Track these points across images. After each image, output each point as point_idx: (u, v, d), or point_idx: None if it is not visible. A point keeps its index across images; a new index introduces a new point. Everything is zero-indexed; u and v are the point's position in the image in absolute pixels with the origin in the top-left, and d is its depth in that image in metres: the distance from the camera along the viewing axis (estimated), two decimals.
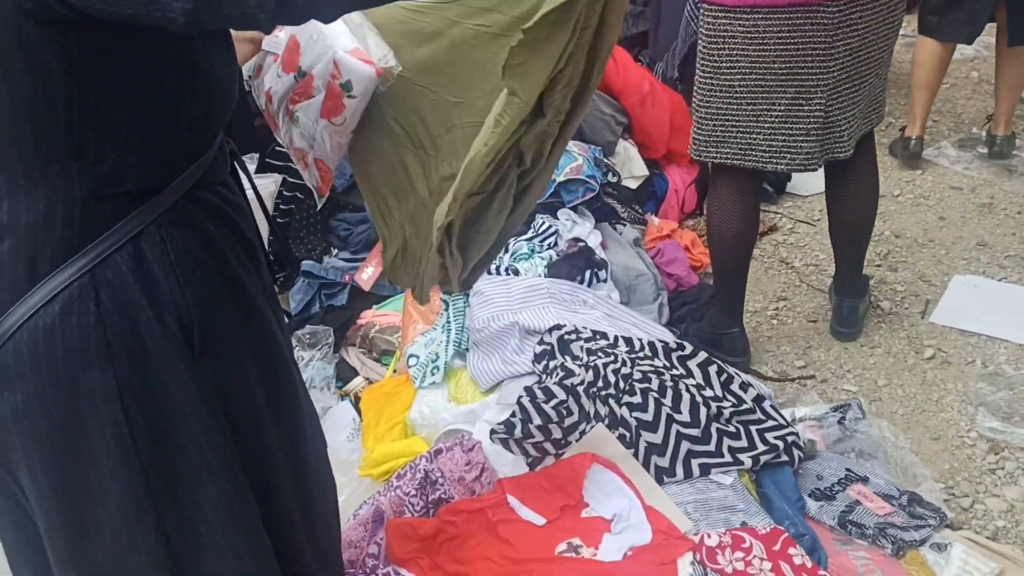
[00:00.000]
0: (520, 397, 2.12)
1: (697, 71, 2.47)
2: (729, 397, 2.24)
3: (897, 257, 3.28)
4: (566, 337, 2.33)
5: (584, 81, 1.31)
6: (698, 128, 2.51)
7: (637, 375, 2.20)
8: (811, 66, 2.34)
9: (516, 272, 2.70)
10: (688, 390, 2.18)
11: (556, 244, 2.90)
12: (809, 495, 2.13)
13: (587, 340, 2.33)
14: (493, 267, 2.66)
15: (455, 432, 2.22)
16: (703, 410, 2.15)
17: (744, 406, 2.21)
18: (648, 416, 2.11)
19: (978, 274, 3.16)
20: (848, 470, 2.20)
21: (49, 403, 1.09)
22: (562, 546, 1.93)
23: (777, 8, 2.28)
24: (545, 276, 2.70)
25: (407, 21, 1.48)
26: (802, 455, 2.18)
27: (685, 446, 2.08)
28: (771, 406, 2.26)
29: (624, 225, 3.20)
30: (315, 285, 2.92)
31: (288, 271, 2.99)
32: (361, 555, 1.98)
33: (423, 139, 1.49)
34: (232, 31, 1.22)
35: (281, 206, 2.97)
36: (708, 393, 2.21)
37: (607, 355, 2.26)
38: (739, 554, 1.87)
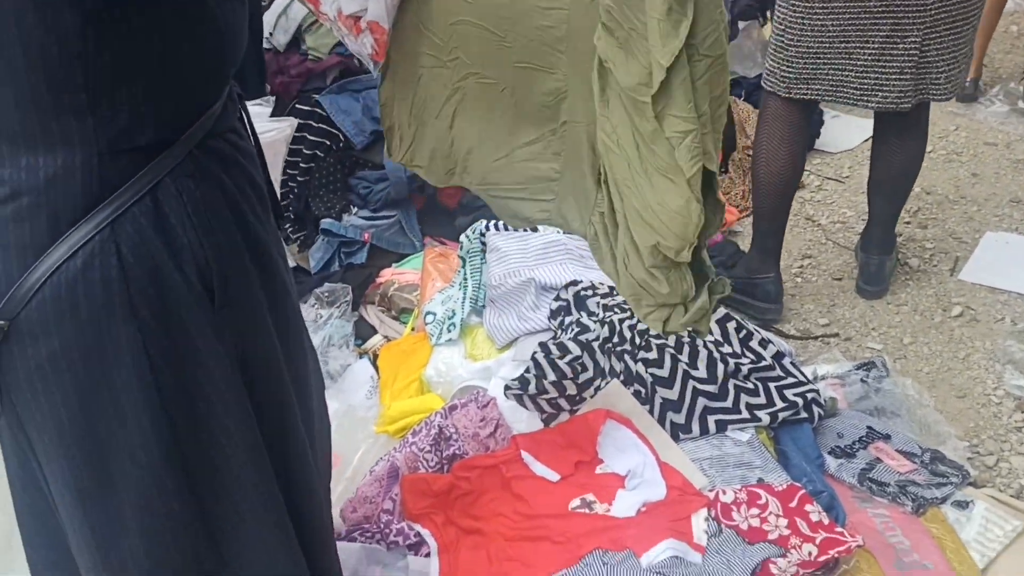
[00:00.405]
0: (534, 353, 2.11)
1: (785, 10, 2.47)
2: (748, 354, 2.20)
3: (927, 214, 3.21)
4: (582, 293, 2.30)
5: None
6: (788, 66, 2.51)
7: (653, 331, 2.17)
8: (908, 4, 2.33)
9: (534, 229, 2.67)
10: (705, 346, 2.15)
11: None
12: (829, 452, 2.10)
13: (603, 296, 2.30)
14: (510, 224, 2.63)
15: (470, 388, 2.21)
16: (720, 366, 2.12)
17: (763, 363, 2.18)
18: (664, 372, 2.08)
19: (1011, 231, 3.08)
20: (870, 428, 2.16)
21: (75, 358, 1.09)
22: (576, 502, 1.92)
23: None
24: (562, 233, 2.67)
25: None
26: (822, 412, 2.14)
27: (701, 402, 2.06)
28: (791, 363, 2.23)
29: None
30: (334, 243, 2.91)
31: (307, 229, 2.99)
32: (376, 510, 1.98)
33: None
34: None
35: (300, 164, 2.95)
36: (726, 349, 2.18)
37: (623, 311, 2.23)
38: (754, 510, 1.85)
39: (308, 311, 2.61)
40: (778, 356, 2.22)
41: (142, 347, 1.10)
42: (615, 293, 2.32)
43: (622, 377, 2.09)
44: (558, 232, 2.68)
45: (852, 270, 2.92)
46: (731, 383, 2.11)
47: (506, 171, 1.62)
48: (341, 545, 1.88)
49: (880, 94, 2.45)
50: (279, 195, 2.87)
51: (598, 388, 2.07)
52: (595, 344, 2.12)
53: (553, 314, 2.29)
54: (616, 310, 2.24)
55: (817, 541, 1.78)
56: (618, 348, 2.13)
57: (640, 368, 2.10)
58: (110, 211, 1.07)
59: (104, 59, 1.02)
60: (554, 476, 1.97)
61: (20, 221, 1.07)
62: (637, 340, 2.15)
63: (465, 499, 1.96)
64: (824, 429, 2.15)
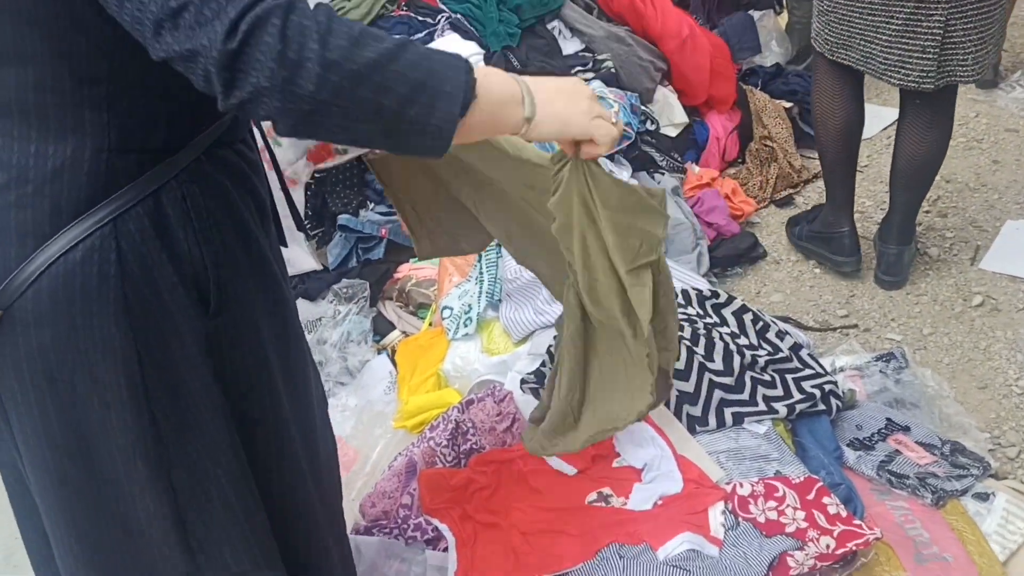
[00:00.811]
0: (550, 345, 2.10)
1: None
2: (765, 345, 2.20)
3: (947, 202, 3.18)
4: None
5: None
6: (828, 29, 2.58)
7: None
8: None
9: None
10: (722, 338, 2.15)
11: None
12: (848, 445, 2.08)
13: None
14: None
15: (487, 383, 2.21)
16: (737, 358, 2.11)
17: (780, 354, 2.17)
18: (680, 364, 2.08)
19: None
20: (889, 419, 2.15)
21: (65, 349, 1.10)
22: (592, 495, 1.92)
23: None
24: None
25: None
26: (840, 404, 2.13)
27: (718, 395, 2.05)
28: (809, 355, 2.22)
29: (662, 174, 3.14)
30: (352, 239, 2.92)
31: (324, 226, 3.00)
32: (395, 505, 2.00)
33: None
34: None
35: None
36: (743, 341, 2.17)
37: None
38: (772, 503, 1.84)
39: (326, 307, 2.63)
40: (795, 348, 2.21)
41: (132, 345, 1.11)
42: None
43: None
44: None
45: (871, 260, 2.90)
46: (748, 375, 2.10)
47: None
48: (360, 539, 1.90)
49: (903, 70, 2.46)
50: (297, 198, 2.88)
51: None
52: None
53: None
54: None
55: (835, 534, 1.78)
56: None
57: None
58: (114, 208, 1.08)
59: (129, 57, 1.03)
60: (571, 470, 1.97)
61: (23, 208, 1.08)
62: None
63: (482, 493, 1.97)
64: (842, 421, 2.14)
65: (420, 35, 3.14)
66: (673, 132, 3.33)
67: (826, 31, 2.59)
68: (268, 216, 1.32)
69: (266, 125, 1.04)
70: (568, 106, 1.14)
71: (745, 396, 2.06)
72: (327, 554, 1.46)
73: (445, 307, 2.47)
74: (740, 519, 1.82)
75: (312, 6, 0.98)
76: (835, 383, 2.16)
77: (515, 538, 1.85)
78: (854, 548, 1.76)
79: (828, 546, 1.75)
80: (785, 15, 4.20)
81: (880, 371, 2.34)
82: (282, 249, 1.38)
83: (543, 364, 2.07)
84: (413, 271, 2.78)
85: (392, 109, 0.98)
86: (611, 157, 3.00)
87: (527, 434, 1.63)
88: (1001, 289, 2.73)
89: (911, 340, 2.58)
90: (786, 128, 3.48)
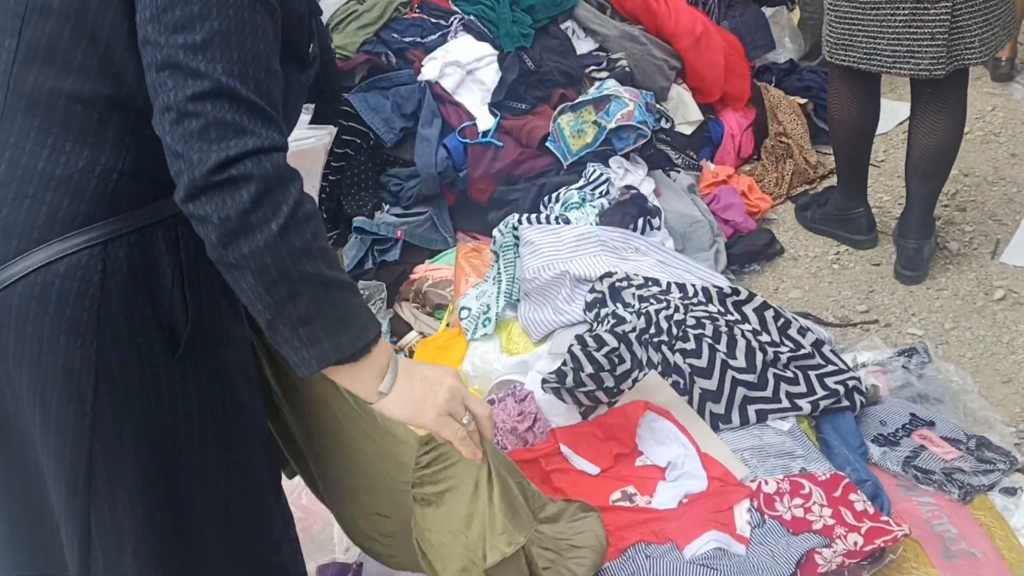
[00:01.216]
0: (571, 346, 2.09)
1: None
2: (787, 342, 2.18)
3: (966, 196, 3.15)
4: (617, 284, 2.29)
5: None
6: (830, 30, 2.62)
7: (690, 321, 2.16)
8: None
9: (567, 221, 2.65)
10: (744, 335, 2.13)
11: (608, 192, 2.85)
12: (872, 441, 2.07)
13: (639, 287, 2.28)
14: (543, 217, 2.63)
15: (507, 383, 2.20)
16: (759, 355, 2.09)
17: (802, 351, 2.15)
18: (702, 362, 2.07)
19: None
20: (913, 415, 2.13)
21: (20, 360, 1.08)
22: (616, 495, 1.90)
23: None
24: (597, 225, 2.66)
25: None
26: (864, 400, 2.11)
27: (741, 392, 2.04)
28: (831, 351, 2.20)
29: (678, 172, 3.13)
30: (367, 241, 2.91)
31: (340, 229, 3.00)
32: None
33: None
34: None
35: (332, 163, 2.96)
36: (764, 338, 2.16)
37: (659, 301, 2.22)
38: (798, 500, 1.83)
39: None
40: (817, 344, 2.20)
41: (92, 372, 1.08)
42: (650, 284, 2.31)
43: (660, 368, 2.07)
44: (591, 224, 2.67)
45: (890, 255, 2.88)
46: (770, 372, 2.09)
47: None
48: None
49: (913, 60, 2.47)
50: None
51: (636, 380, 2.05)
52: (632, 336, 2.10)
53: (588, 306, 2.27)
54: (652, 301, 2.23)
55: (862, 531, 1.76)
56: (655, 339, 2.12)
57: (678, 359, 2.08)
58: (109, 231, 1.07)
59: None
60: (594, 469, 1.96)
61: (18, 207, 1.07)
62: (674, 331, 2.13)
63: None
64: (866, 417, 2.12)
65: (433, 36, 3.14)
66: (688, 130, 3.31)
67: (828, 31, 2.62)
68: None
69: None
70: (424, 396, 1.17)
71: (768, 393, 2.05)
72: None
73: (463, 307, 2.46)
74: (766, 517, 1.80)
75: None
76: (858, 379, 2.14)
77: None
78: (882, 545, 1.74)
79: (856, 543, 1.74)
80: (797, 11, 4.18)
81: (903, 366, 2.32)
82: None
83: (564, 363, 2.05)
84: (429, 272, 2.78)
85: (290, 317, 1.05)
86: (627, 156, 2.99)
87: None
88: (1023, 283, 2.70)
89: (933, 335, 2.56)
90: (801, 124, 3.47)
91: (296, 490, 1.73)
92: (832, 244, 3.00)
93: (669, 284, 2.31)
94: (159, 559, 1.17)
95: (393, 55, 3.12)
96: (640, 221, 2.70)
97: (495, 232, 2.59)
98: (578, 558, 1.62)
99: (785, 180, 3.32)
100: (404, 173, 2.98)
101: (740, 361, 2.08)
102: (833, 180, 3.32)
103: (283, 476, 1.45)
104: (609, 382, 2.05)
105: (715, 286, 2.33)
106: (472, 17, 3.18)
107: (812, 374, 2.11)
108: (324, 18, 3.10)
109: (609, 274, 2.33)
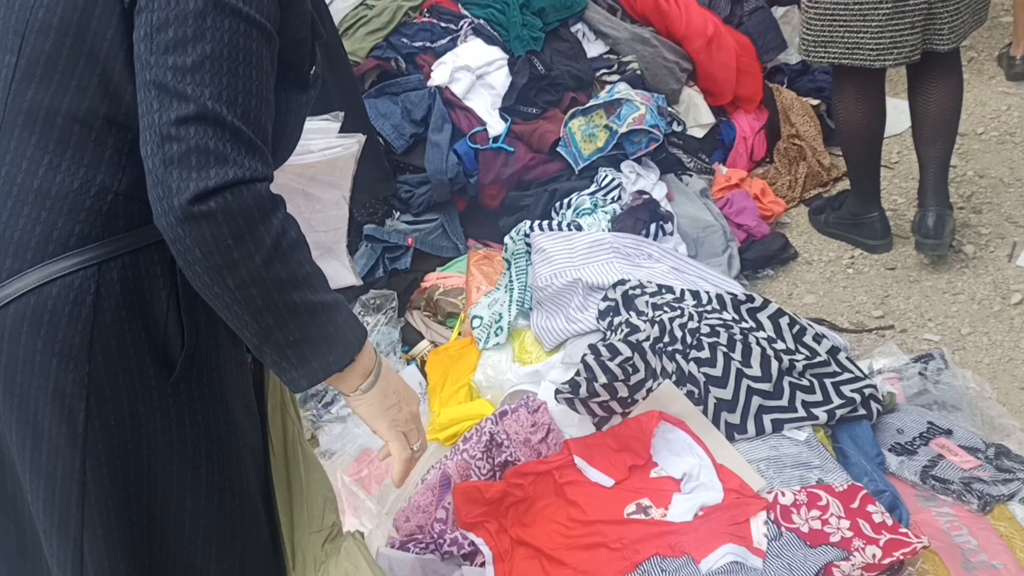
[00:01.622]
0: (584, 355, 2.08)
1: None
2: (802, 350, 2.16)
3: (981, 198, 3.12)
4: (630, 292, 2.27)
5: None
6: (807, 29, 2.65)
7: (705, 329, 2.14)
8: None
9: (579, 227, 2.64)
10: (758, 343, 2.11)
11: (620, 198, 2.83)
12: (889, 450, 2.04)
13: (652, 295, 2.26)
14: (555, 223, 2.62)
15: (520, 393, 2.19)
16: (774, 364, 2.07)
17: (818, 358, 2.13)
18: (717, 371, 2.05)
19: None
20: (930, 423, 2.11)
21: (14, 383, 1.07)
22: (631, 507, 1.89)
23: None
24: (609, 231, 2.64)
25: None
26: (881, 408, 2.09)
27: (756, 401, 2.02)
28: (847, 358, 2.17)
29: (690, 175, 3.11)
30: (378, 249, 2.91)
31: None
32: (429, 520, 1.98)
33: None
34: None
35: None
36: (779, 346, 2.14)
37: (673, 309, 2.20)
38: (815, 512, 1.80)
39: None
40: (833, 351, 2.17)
41: (84, 394, 1.07)
42: (664, 291, 2.29)
43: (674, 378, 2.05)
44: (603, 230, 2.65)
45: (905, 259, 2.86)
46: (786, 380, 2.07)
47: None
48: (393, 556, 1.88)
49: (896, 50, 2.56)
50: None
51: (650, 390, 2.03)
52: (645, 344, 2.09)
53: (601, 315, 2.26)
54: (666, 309, 2.21)
55: (881, 543, 1.74)
56: (669, 348, 2.10)
57: (692, 368, 2.06)
58: (103, 252, 1.06)
59: None
60: (608, 481, 1.94)
61: (12, 225, 1.06)
62: (688, 339, 2.11)
63: (519, 507, 1.94)
64: (883, 425, 2.10)
65: (443, 41, 3.13)
66: (700, 133, 3.29)
67: (804, 31, 2.66)
68: None
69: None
70: (391, 407, 1.23)
71: (784, 402, 2.02)
72: None
73: (475, 316, 2.45)
74: (783, 529, 1.78)
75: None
76: (875, 387, 2.12)
77: (553, 552, 1.83)
78: (901, 557, 1.72)
79: (874, 556, 1.72)
80: None
81: (919, 373, 2.30)
82: (321, 265, 1.35)
83: (577, 373, 2.03)
84: (440, 280, 2.77)
85: (277, 341, 1.07)
86: (639, 161, 2.97)
87: None
88: None
89: (949, 340, 2.53)
90: (814, 126, 3.44)
91: None
92: (846, 248, 2.98)
93: (683, 291, 2.29)
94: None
95: (403, 60, 3.11)
96: (652, 226, 2.68)
97: (507, 239, 2.58)
98: None
99: (798, 183, 3.30)
100: (415, 179, 2.97)
101: (755, 370, 2.05)
102: (846, 183, 3.29)
103: None
104: (623, 392, 2.03)
105: (729, 293, 2.31)
106: (482, 21, 3.17)
107: (828, 382, 2.09)
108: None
109: (622, 282, 2.31)
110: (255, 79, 1.02)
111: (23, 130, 1.06)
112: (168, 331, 1.11)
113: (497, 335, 2.36)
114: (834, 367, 2.13)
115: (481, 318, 2.42)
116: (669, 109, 3.17)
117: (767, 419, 2.00)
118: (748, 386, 2.03)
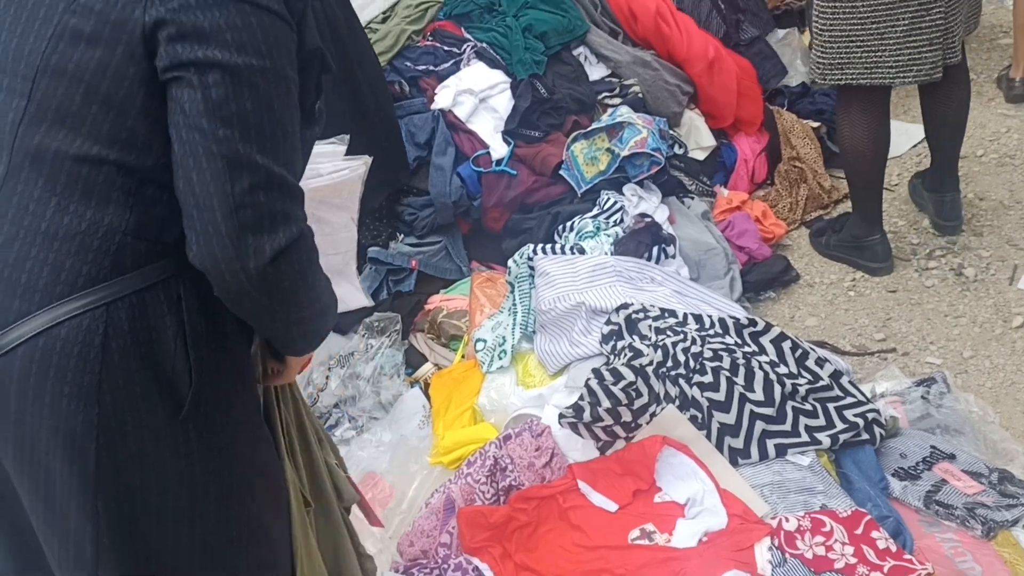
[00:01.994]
0: (588, 379, 2.08)
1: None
2: (805, 374, 2.16)
3: (982, 221, 3.13)
4: (634, 316, 2.28)
5: None
6: (822, 53, 2.68)
7: (708, 353, 2.14)
8: None
9: (582, 251, 2.65)
10: (761, 367, 2.12)
11: (622, 220, 2.84)
12: (892, 474, 2.05)
13: (655, 319, 2.27)
14: (559, 246, 2.63)
15: (524, 417, 2.19)
16: (777, 388, 2.08)
17: (821, 383, 2.14)
18: (720, 396, 2.05)
19: None
20: (933, 447, 2.11)
21: (24, 425, 1.08)
22: (635, 532, 1.89)
23: None
24: (611, 254, 2.65)
25: None
26: (884, 433, 2.10)
27: (759, 426, 2.02)
28: (849, 382, 2.18)
29: (692, 198, 3.12)
30: (382, 271, 2.91)
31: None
32: (433, 544, 1.98)
33: None
34: None
35: None
36: (782, 370, 2.14)
37: (676, 333, 2.20)
38: (819, 538, 1.81)
39: (358, 341, 2.62)
40: (836, 375, 2.18)
41: (94, 435, 1.08)
42: (666, 315, 2.30)
43: (677, 402, 2.06)
44: (606, 253, 2.67)
45: (907, 282, 2.87)
46: (789, 405, 2.07)
47: None
48: None
49: (915, 67, 2.61)
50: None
51: (653, 414, 2.04)
52: (649, 369, 2.09)
53: (605, 338, 2.26)
54: (668, 333, 2.22)
55: (885, 569, 1.74)
56: (672, 372, 2.10)
57: (696, 392, 2.07)
58: (112, 292, 1.07)
59: (170, 161, 1.06)
60: (612, 506, 1.94)
61: (20, 268, 1.07)
62: (691, 363, 2.12)
63: (523, 531, 1.94)
64: (886, 450, 2.10)
65: (446, 64, 3.15)
66: (701, 155, 3.31)
67: (818, 55, 2.69)
68: None
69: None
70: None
71: (787, 427, 2.03)
72: None
73: (478, 339, 2.46)
74: (787, 556, 1.79)
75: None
76: (878, 411, 2.12)
77: None
78: None
79: None
80: (808, 33, 4.17)
81: (922, 396, 2.30)
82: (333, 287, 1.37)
83: (581, 398, 2.04)
84: (444, 302, 2.77)
85: (294, 337, 1.22)
86: (641, 183, 2.99)
87: None
88: None
89: (951, 364, 2.54)
90: (814, 148, 3.46)
91: None
92: (848, 271, 2.99)
93: (685, 315, 2.30)
94: None
95: (406, 83, 3.13)
96: (655, 249, 2.69)
97: (510, 263, 2.59)
98: None
99: (799, 205, 3.31)
100: (418, 202, 2.98)
101: (758, 394, 2.06)
102: (847, 205, 3.31)
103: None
104: (626, 416, 2.04)
105: (732, 317, 2.32)
106: (484, 45, 3.18)
107: (831, 406, 2.10)
108: None
109: (625, 305, 2.32)
110: (294, 132, 1.07)
111: (30, 172, 1.07)
112: (176, 368, 1.11)
113: (501, 358, 2.36)
114: (837, 391, 2.13)
115: (485, 341, 2.43)
116: (671, 132, 3.18)
117: (771, 444, 2.01)
118: (751, 411, 2.04)
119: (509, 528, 1.95)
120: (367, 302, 2.72)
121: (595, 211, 2.87)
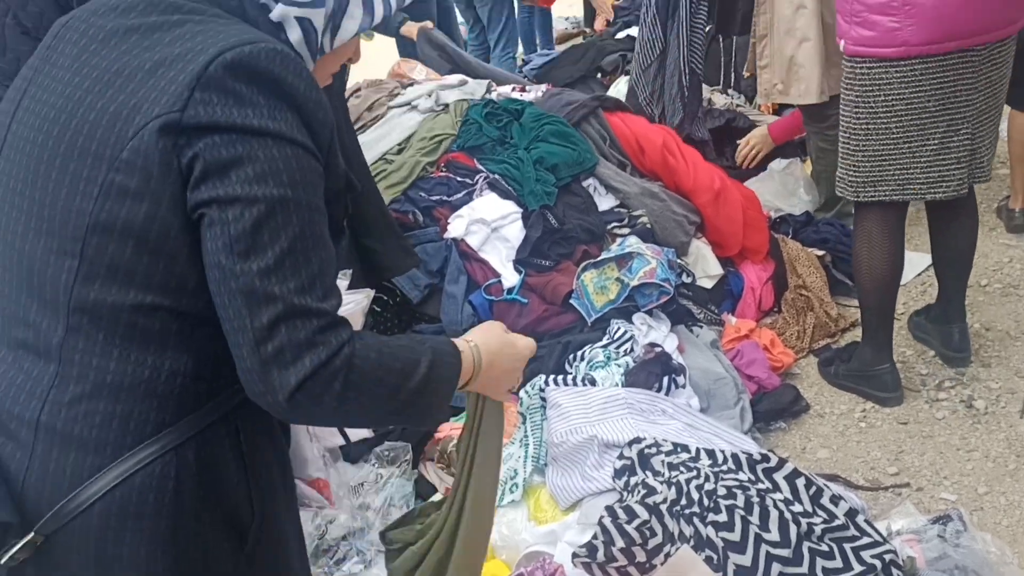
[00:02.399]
0: (601, 517, 2.07)
1: (849, 118, 2.68)
2: (820, 512, 2.15)
3: (989, 352, 3.15)
4: (646, 451, 2.28)
5: None
6: (855, 171, 2.73)
7: (722, 491, 2.13)
8: (960, 101, 2.58)
9: (593, 381, 2.66)
10: (776, 506, 2.10)
11: (632, 350, 2.86)
12: None
13: (668, 454, 2.27)
14: (570, 377, 2.64)
15: (536, 555, 2.17)
16: (793, 528, 2.06)
17: (836, 522, 2.12)
18: (735, 536, 2.03)
19: None
20: None
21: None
22: None
23: (934, 56, 2.50)
24: (622, 384, 2.66)
25: None
26: (902, 574, 2.06)
27: (776, 568, 2.00)
28: (865, 521, 2.16)
29: (700, 327, 3.15)
30: None
31: None
32: None
33: None
34: None
35: None
36: (797, 508, 2.13)
37: (689, 470, 2.20)
38: None
39: (369, 471, 2.61)
40: (851, 513, 2.16)
41: None
42: (679, 451, 2.29)
43: (692, 542, 2.04)
44: (617, 383, 2.68)
45: (917, 413, 2.86)
46: (805, 545, 2.05)
47: None
48: None
49: (944, 184, 2.68)
50: None
51: (668, 554, 2.02)
52: (663, 507, 2.08)
53: (617, 473, 2.26)
54: (682, 469, 2.21)
55: None
56: (686, 511, 2.09)
57: (710, 532, 2.05)
58: (177, 435, 1.09)
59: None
60: None
61: (92, 415, 1.08)
62: (705, 501, 2.11)
63: None
64: None
65: (459, 195, 3.23)
66: (708, 284, 3.35)
67: (851, 173, 2.73)
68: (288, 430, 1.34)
69: None
70: (495, 379, 1.40)
71: (804, 569, 2.00)
72: None
73: None
74: None
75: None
76: (895, 551, 2.10)
77: None
78: None
79: None
80: (809, 163, 4.28)
81: (938, 535, 2.27)
82: None
83: (594, 537, 2.03)
84: (454, 431, 2.76)
85: (396, 422, 1.26)
86: (650, 312, 3.02)
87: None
88: None
89: (966, 500, 2.51)
90: (820, 277, 3.51)
91: None
92: (858, 401, 2.99)
93: (698, 450, 2.30)
94: None
95: (420, 213, 3.21)
96: (665, 380, 2.70)
97: (521, 394, 2.60)
98: None
99: (807, 333, 3.33)
100: (430, 329, 3.01)
101: (774, 534, 2.04)
102: (854, 334, 3.34)
103: None
104: (641, 557, 2.02)
105: (744, 452, 2.31)
106: (497, 176, 3.27)
107: (848, 547, 2.07)
108: None
109: (637, 440, 2.32)
110: (324, 256, 1.07)
111: (89, 328, 1.08)
112: (239, 503, 1.14)
113: (512, 492, 2.35)
114: (853, 531, 2.11)
115: None
116: (678, 261, 3.24)
117: None
118: (767, 552, 2.01)
119: None
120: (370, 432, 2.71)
121: (605, 340, 2.90)
